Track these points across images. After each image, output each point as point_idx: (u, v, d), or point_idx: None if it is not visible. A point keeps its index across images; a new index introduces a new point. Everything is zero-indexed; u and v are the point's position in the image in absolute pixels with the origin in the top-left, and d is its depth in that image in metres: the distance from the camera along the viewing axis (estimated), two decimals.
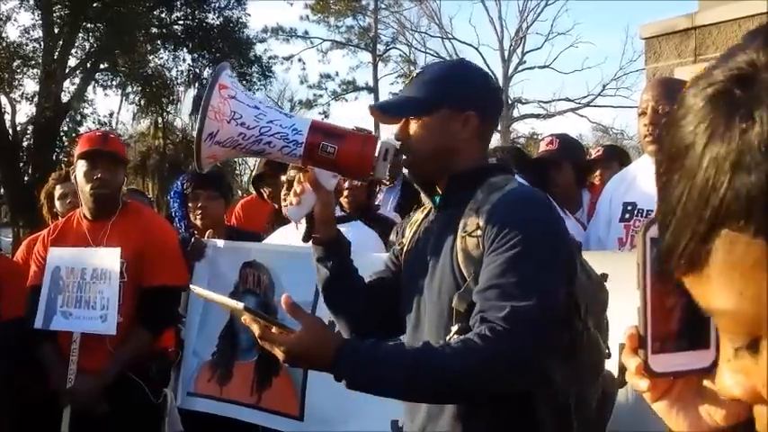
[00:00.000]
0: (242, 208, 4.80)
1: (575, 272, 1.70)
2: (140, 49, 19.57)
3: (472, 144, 1.80)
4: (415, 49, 27.55)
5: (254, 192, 4.71)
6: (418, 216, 1.97)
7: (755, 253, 0.48)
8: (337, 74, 29.03)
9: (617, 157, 4.45)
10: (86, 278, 3.08)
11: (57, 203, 3.92)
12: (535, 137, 24.11)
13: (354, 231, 2.73)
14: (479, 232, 1.66)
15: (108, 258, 3.07)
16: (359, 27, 28.29)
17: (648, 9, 32.63)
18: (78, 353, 3.03)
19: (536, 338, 1.56)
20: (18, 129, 19.09)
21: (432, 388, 1.61)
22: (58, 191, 3.93)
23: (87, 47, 19.59)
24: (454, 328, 1.64)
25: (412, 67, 27.66)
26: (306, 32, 28.29)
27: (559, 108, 26.21)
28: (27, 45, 18.85)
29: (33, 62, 18.90)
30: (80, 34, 19.17)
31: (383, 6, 27.36)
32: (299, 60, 28.36)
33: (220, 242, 3.44)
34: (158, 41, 20.42)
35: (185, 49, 20.64)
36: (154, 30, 20.23)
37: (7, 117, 18.64)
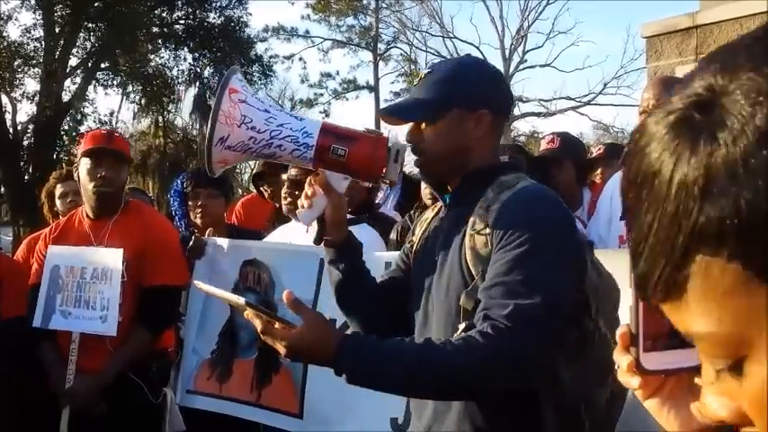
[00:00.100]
0: (242, 206, 4.80)
1: (585, 270, 1.69)
2: (141, 48, 19.59)
3: (485, 142, 1.79)
4: (416, 48, 27.59)
5: (254, 190, 4.71)
6: (429, 214, 1.97)
7: (731, 277, 0.48)
8: (338, 73, 29.19)
9: (618, 155, 4.44)
10: (86, 278, 3.07)
11: (57, 202, 3.92)
12: (536, 135, 24.12)
13: (361, 233, 2.73)
14: (488, 230, 1.65)
15: (110, 258, 3.06)
16: (360, 26, 28.31)
17: (650, 8, 32.65)
18: (78, 353, 3.02)
19: (538, 336, 1.56)
20: (19, 128, 19.12)
21: (432, 384, 1.61)
22: (58, 190, 3.93)
23: (88, 46, 19.61)
24: (461, 326, 1.63)
25: (413, 67, 27.69)
26: (307, 32, 28.34)
27: (560, 106, 26.25)
28: (28, 44, 18.88)
29: (34, 61, 18.92)
30: (81, 34, 19.18)
31: (384, 5, 27.37)
32: (300, 59, 28.43)
33: (221, 240, 3.44)
34: (159, 41, 20.43)
35: (186, 49, 20.67)
36: (155, 29, 20.24)
37: (8, 116, 18.67)
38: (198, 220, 3.70)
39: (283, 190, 3.37)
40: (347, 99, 29.33)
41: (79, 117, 19.95)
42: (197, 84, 21.34)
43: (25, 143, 19.14)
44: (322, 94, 28.61)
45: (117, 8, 18.19)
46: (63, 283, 3.10)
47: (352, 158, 1.81)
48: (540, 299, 1.55)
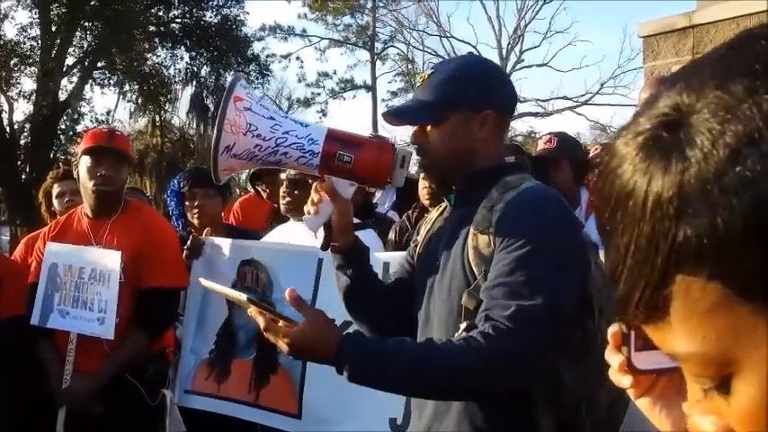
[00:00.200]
0: (240, 206, 4.80)
1: (588, 270, 1.69)
2: (138, 47, 19.56)
3: (489, 143, 1.79)
4: (413, 47, 27.54)
5: (252, 190, 4.71)
6: (433, 214, 1.98)
7: (712, 296, 0.48)
8: (335, 72, 29.05)
9: None
10: (84, 278, 3.05)
11: (55, 202, 3.91)
12: (533, 135, 24.11)
13: (364, 236, 2.73)
14: (491, 230, 1.65)
15: (108, 260, 3.03)
16: (357, 25, 28.28)
17: (646, 7, 32.68)
18: (75, 353, 3.01)
19: (540, 338, 1.56)
20: (15, 127, 19.07)
21: (433, 384, 1.62)
22: (55, 189, 3.92)
23: (85, 45, 19.58)
24: (462, 326, 1.64)
25: (410, 66, 27.69)
26: (304, 31, 28.27)
27: (557, 106, 26.24)
28: (24, 43, 18.84)
29: (31, 60, 18.89)
30: (78, 32, 19.15)
31: (381, 4, 27.35)
32: (297, 59, 28.37)
33: (218, 240, 3.44)
34: (156, 39, 20.41)
35: (183, 48, 20.65)
36: (151, 28, 20.22)
37: (5, 115, 18.64)
38: (195, 220, 3.69)
39: (282, 189, 3.37)
40: (344, 98, 29.28)
41: (76, 116, 19.94)
42: (194, 83, 21.33)
43: (22, 142, 19.11)
44: (319, 94, 28.60)
45: (113, 7, 18.16)
46: (61, 281, 3.09)
47: (358, 165, 1.81)
48: (542, 300, 1.55)
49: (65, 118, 19.54)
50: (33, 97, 18.78)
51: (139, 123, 22.57)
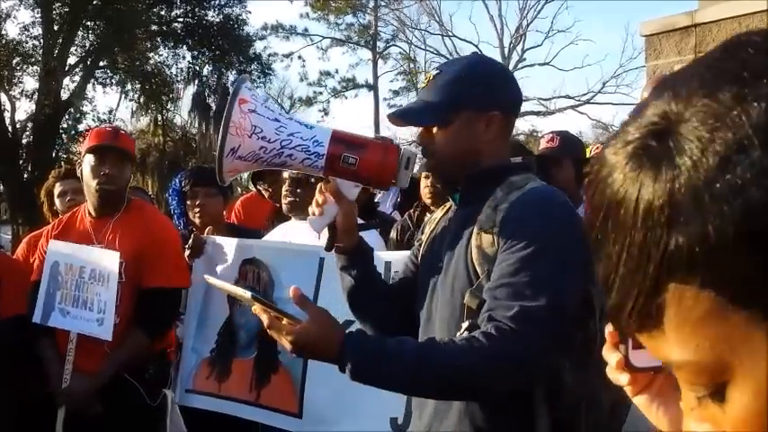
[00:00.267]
0: (242, 205, 4.80)
1: (592, 271, 1.69)
2: (140, 46, 19.58)
3: (495, 143, 1.79)
4: (415, 46, 27.54)
5: (253, 189, 4.70)
6: (438, 214, 1.98)
7: (705, 304, 0.48)
8: (337, 71, 29.05)
9: None
10: (84, 277, 3.03)
11: (56, 201, 3.90)
12: (535, 134, 24.12)
13: (368, 238, 2.74)
14: (495, 229, 1.65)
15: (107, 260, 3.02)
16: (359, 24, 28.28)
17: (649, 6, 32.67)
18: (75, 353, 3.00)
19: (543, 338, 1.56)
20: (18, 126, 19.11)
21: (434, 384, 1.62)
22: (57, 189, 3.91)
23: (87, 44, 19.61)
24: (464, 325, 1.64)
25: (412, 65, 27.69)
26: (306, 30, 28.29)
27: (559, 105, 26.23)
28: (27, 42, 18.88)
29: (33, 59, 18.92)
30: (80, 32, 19.18)
31: (383, 4, 27.35)
32: (299, 58, 28.38)
33: (220, 239, 3.44)
34: (158, 39, 20.43)
35: (185, 47, 20.67)
36: (153, 27, 20.24)
37: (7, 114, 18.66)
38: (196, 220, 3.69)
39: (284, 188, 3.36)
40: (346, 97, 29.34)
41: (78, 115, 19.96)
42: (196, 82, 21.35)
43: (24, 141, 19.15)
44: (321, 93, 28.62)
45: (115, 6, 18.18)
46: (62, 280, 3.08)
47: (363, 167, 1.81)
48: (546, 301, 1.55)
49: (67, 117, 19.57)
50: (35, 96, 18.80)
51: (141, 122, 22.61)
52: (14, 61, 18.70)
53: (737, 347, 0.48)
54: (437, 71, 1.84)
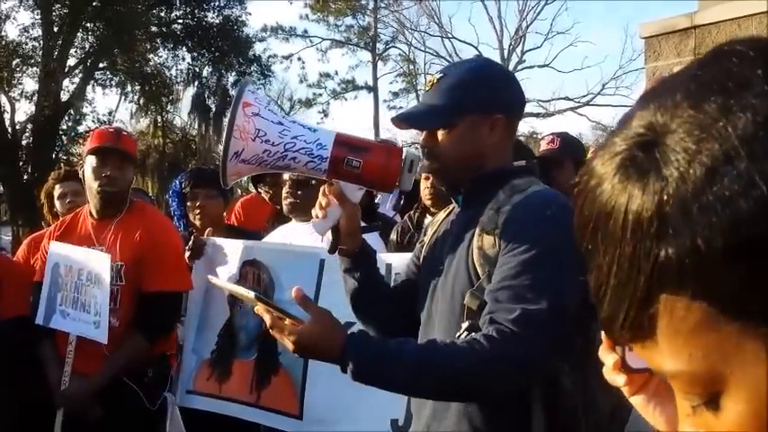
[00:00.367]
0: (242, 207, 4.79)
1: None
2: (140, 47, 19.60)
3: (499, 146, 1.79)
4: (415, 48, 27.55)
5: (253, 190, 4.70)
6: (441, 216, 1.98)
7: (697, 315, 0.48)
8: (337, 73, 29.09)
9: None
10: (83, 279, 3.02)
11: (56, 203, 3.90)
12: (535, 136, 24.11)
13: (369, 240, 2.74)
14: (497, 231, 1.66)
15: (97, 262, 3.00)
16: (358, 26, 28.30)
17: (648, 8, 32.65)
18: (74, 355, 2.99)
19: (544, 342, 1.56)
20: (17, 127, 19.12)
21: (435, 386, 1.62)
22: (57, 190, 3.91)
23: (87, 46, 19.63)
24: (464, 325, 1.64)
25: (411, 67, 27.69)
26: (305, 31, 28.32)
27: (559, 107, 26.21)
28: (26, 44, 18.89)
29: (33, 61, 18.93)
30: (79, 33, 19.19)
31: (383, 5, 27.36)
32: (299, 59, 28.41)
33: (220, 240, 3.43)
34: (158, 40, 20.44)
35: (185, 48, 20.69)
36: (153, 28, 20.25)
37: (7, 116, 18.67)
38: (197, 221, 3.69)
39: (285, 190, 3.36)
40: (346, 99, 29.34)
41: (78, 117, 19.98)
42: (195, 83, 21.37)
43: (24, 143, 19.15)
44: (321, 94, 28.64)
45: (115, 7, 18.19)
46: (62, 281, 3.07)
47: (366, 170, 1.81)
48: (547, 304, 1.55)
49: (66, 118, 19.58)
50: (35, 98, 18.81)
51: (141, 124, 22.62)
52: (14, 63, 18.72)
53: (730, 357, 0.48)
54: (441, 74, 1.84)
